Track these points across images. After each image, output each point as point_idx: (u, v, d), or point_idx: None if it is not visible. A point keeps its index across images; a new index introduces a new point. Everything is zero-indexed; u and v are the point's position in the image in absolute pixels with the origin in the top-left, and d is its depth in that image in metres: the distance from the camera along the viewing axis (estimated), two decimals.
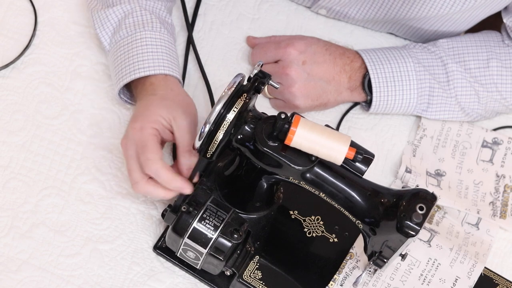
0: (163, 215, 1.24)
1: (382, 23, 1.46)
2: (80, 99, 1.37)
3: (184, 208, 1.19)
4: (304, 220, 1.30)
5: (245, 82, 1.18)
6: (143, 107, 1.24)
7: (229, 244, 1.20)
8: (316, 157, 1.15)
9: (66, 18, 1.42)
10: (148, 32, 1.31)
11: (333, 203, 1.19)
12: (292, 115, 1.15)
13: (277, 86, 1.19)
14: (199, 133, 1.14)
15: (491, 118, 1.45)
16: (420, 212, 1.13)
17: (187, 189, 1.20)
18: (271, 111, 1.40)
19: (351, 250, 1.29)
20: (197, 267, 1.24)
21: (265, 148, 1.15)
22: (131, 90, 1.33)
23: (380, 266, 1.22)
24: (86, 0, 1.38)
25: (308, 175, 1.17)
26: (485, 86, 1.40)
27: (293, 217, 1.30)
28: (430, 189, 1.35)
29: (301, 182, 1.19)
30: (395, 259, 1.21)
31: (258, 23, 1.47)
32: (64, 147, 1.33)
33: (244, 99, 1.15)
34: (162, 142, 1.24)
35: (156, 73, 1.28)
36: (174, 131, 1.23)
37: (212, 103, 1.38)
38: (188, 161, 1.22)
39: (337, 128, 1.42)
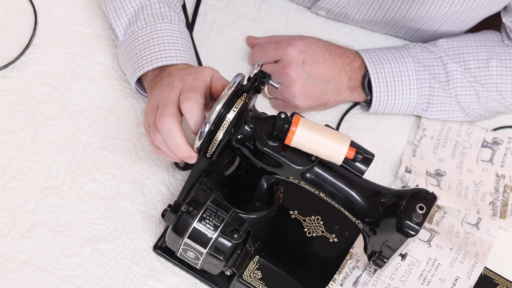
0: (163, 215, 1.24)
1: (382, 24, 1.46)
2: (80, 99, 1.37)
3: (184, 208, 1.20)
4: (304, 220, 1.30)
5: (245, 82, 1.18)
6: (189, 71, 1.22)
7: (229, 244, 1.20)
8: (316, 157, 1.15)
9: (66, 18, 1.42)
10: (167, 24, 1.31)
11: (333, 203, 1.19)
12: (292, 115, 1.15)
13: (277, 86, 1.19)
14: (199, 133, 1.14)
15: (491, 118, 1.45)
16: (420, 212, 1.13)
17: (193, 159, 1.17)
18: (271, 111, 1.40)
19: (351, 250, 1.29)
20: (197, 267, 1.24)
21: (265, 148, 1.15)
22: (144, 81, 1.32)
23: (380, 266, 1.22)
24: None
25: (308, 175, 1.17)
26: (485, 86, 1.40)
27: (293, 217, 1.30)
28: (430, 189, 1.35)
29: (301, 182, 1.19)
30: (395, 259, 1.21)
31: (258, 23, 1.47)
32: (64, 147, 1.33)
33: (244, 99, 1.15)
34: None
35: (180, 63, 1.27)
36: (213, 77, 1.21)
37: None
38: (222, 81, 1.20)
39: (337, 128, 1.42)
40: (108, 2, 1.34)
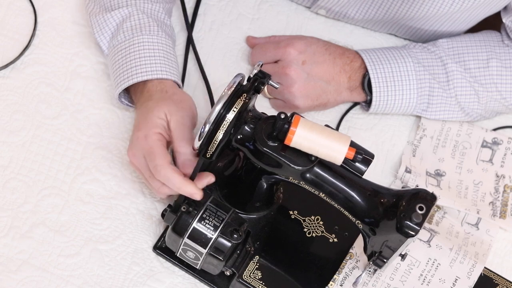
0: (163, 215, 1.24)
1: (382, 23, 1.46)
2: (80, 99, 1.37)
3: (184, 208, 1.20)
4: (304, 220, 1.30)
5: (245, 82, 1.18)
6: (142, 115, 1.24)
7: (229, 244, 1.20)
8: (316, 157, 1.16)
9: (66, 18, 1.42)
10: (145, 36, 1.31)
11: (333, 203, 1.19)
12: (292, 115, 1.15)
13: (277, 86, 1.19)
14: (199, 133, 1.14)
15: (491, 118, 1.45)
16: (420, 212, 1.13)
17: (198, 195, 1.19)
18: (271, 111, 1.40)
19: (351, 250, 1.29)
20: (197, 267, 1.24)
21: (265, 148, 1.15)
22: (131, 94, 1.33)
23: (380, 266, 1.22)
24: (84, 1, 1.38)
25: (308, 175, 1.17)
26: (485, 86, 1.40)
27: (293, 217, 1.30)
28: (430, 189, 1.35)
29: (301, 182, 1.19)
30: (395, 259, 1.21)
31: (258, 23, 1.47)
32: (64, 147, 1.33)
33: (244, 99, 1.15)
34: (167, 145, 1.24)
35: (152, 78, 1.28)
36: (170, 125, 1.23)
37: (212, 103, 1.38)
38: (185, 151, 1.21)
39: (337, 128, 1.42)
40: (92, 17, 1.35)
